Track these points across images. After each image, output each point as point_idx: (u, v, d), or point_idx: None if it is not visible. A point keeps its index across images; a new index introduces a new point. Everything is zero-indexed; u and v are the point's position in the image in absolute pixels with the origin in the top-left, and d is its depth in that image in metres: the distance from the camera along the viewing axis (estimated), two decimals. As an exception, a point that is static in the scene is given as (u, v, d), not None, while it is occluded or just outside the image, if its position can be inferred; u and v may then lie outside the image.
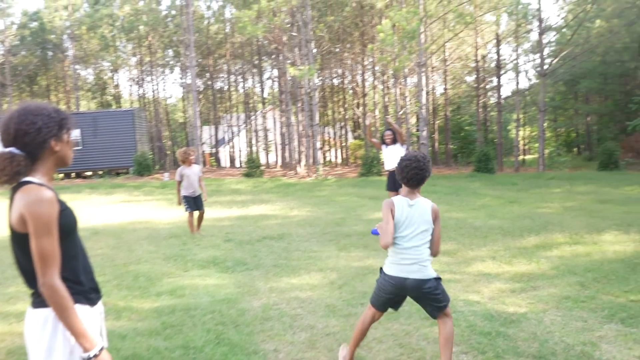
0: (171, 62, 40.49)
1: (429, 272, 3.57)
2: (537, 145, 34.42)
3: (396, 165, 3.64)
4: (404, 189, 3.63)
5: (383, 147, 9.40)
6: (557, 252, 7.53)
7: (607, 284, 5.93)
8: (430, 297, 3.59)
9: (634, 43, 28.89)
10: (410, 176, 3.53)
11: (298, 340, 4.41)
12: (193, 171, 9.11)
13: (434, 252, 3.65)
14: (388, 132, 9.36)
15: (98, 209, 13.37)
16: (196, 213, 9.30)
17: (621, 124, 33.52)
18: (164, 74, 41.52)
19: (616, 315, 4.89)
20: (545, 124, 26.31)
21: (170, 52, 39.22)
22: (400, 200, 3.59)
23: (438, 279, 3.63)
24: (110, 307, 5.20)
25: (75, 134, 26.72)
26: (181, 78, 39.52)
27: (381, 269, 3.74)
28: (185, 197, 9.10)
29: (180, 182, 9.15)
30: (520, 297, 5.50)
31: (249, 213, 12.03)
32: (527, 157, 44.85)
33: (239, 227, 10.10)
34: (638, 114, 29.30)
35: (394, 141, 9.28)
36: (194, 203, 9.16)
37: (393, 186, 9.03)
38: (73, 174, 27.56)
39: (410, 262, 3.54)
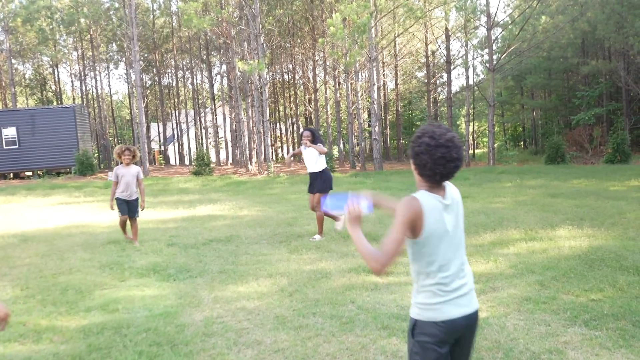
0: (115, 57, 38.97)
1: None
2: (486, 139, 34.92)
3: (417, 151, 2.27)
4: (424, 183, 2.32)
5: (302, 148, 8.70)
6: (514, 249, 7.34)
7: (567, 282, 5.73)
8: (474, 333, 2.47)
9: (577, 39, 29.64)
10: (449, 171, 2.25)
11: (243, 360, 3.96)
12: (130, 172, 8.18)
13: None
14: (307, 133, 8.65)
15: (32, 212, 12.48)
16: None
17: (565, 119, 34.48)
18: (108, 69, 39.96)
19: (579, 317, 4.66)
20: (493, 119, 26.68)
21: (114, 47, 37.73)
22: (430, 200, 2.27)
23: None
24: (30, 327, 4.60)
25: (11, 132, 25.26)
26: (126, 73, 38.07)
27: (413, 329, 2.37)
28: (118, 199, 8.13)
29: (116, 183, 8.20)
30: (481, 300, 5.21)
31: (196, 214, 11.44)
32: (477, 151, 45.63)
33: (185, 229, 9.53)
34: (581, 108, 30.15)
35: (314, 141, 8.59)
36: (127, 207, 8.16)
37: (311, 188, 8.61)
38: (11, 175, 26.06)
39: (467, 289, 2.39)
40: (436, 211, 2.26)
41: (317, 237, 8.36)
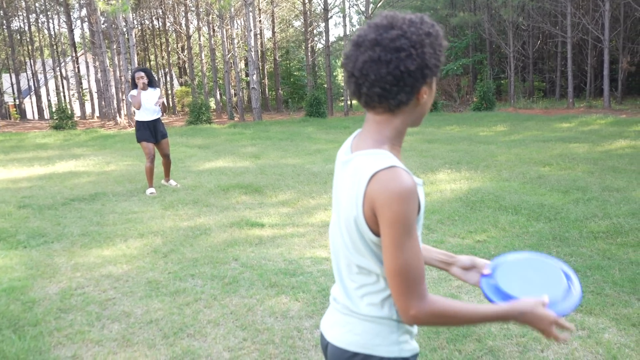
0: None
1: None
2: (362, 89, 35.22)
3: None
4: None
5: (134, 92, 7.70)
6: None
7: (452, 225, 5.71)
8: None
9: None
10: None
11: (108, 337, 3.36)
12: None
13: None
14: (140, 74, 7.71)
15: None
16: None
17: (436, 69, 35.82)
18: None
19: (467, 259, 4.58)
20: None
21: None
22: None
23: None
24: None
25: None
26: (-34, 15, 33.23)
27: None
28: None
29: None
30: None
31: (56, 171, 10.19)
32: (355, 101, 46.35)
33: (41, 188, 8.39)
34: (449, 59, 31.42)
35: (151, 84, 7.77)
36: None
37: (150, 136, 7.79)
38: None
39: None
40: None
41: (151, 190, 7.72)
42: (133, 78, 7.75)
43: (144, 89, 7.67)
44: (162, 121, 8.01)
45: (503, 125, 16.35)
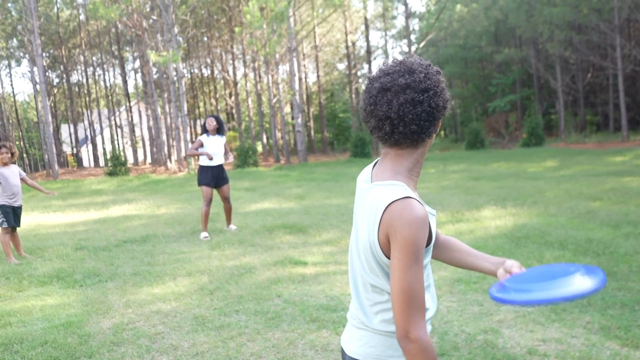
0: (16, 54, 36.29)
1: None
2: (407, 129, 35.26)
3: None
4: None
5: (204, 136, 7.89)
6: (442, 231, 7.24)
7: (496, 260, 5.64)
8: None
9: (490, 27, 30.66)
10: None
11: (156, 369, 3.50)
12: (13, 172, 6.92)
13: None
14: (211, 119, 7.96)
15: None
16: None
17: (482, 106, 35.71)
18: (9, 67, 37.18)
19: (511, 295, 4.53)
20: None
21: (15, 42, 35.10)
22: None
23: None
24: None
25: None
26: (30, 71, 35.62)
27: None
28: (2, 206, 6.77)
29: None
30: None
31: (110, 215, 10.66)
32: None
33: (96, 231, 8.79)
34: (496, 96, 31.28)
35: (219, 131, 7.95)
36: (14, 215, 6.87)
37: (211, 181, 7.87)
38: None
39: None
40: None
41: (205, 234, 7.78)
42: (204, 124, 7.99)
43: (213, 133, 7.89)
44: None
45: (553, 160, 16.06)
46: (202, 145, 7.86)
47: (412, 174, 1.50)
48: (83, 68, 37.52)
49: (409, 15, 24.52)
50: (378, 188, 1.46)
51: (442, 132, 47.17)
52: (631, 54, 23.84)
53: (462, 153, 22.91)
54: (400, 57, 1.53)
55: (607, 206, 8.20)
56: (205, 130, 7.94)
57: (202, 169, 7.94)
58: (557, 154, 17.80)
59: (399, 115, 1.41)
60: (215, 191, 8.03)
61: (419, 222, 1.35)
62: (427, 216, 1.39)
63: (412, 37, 29.02)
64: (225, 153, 8.14)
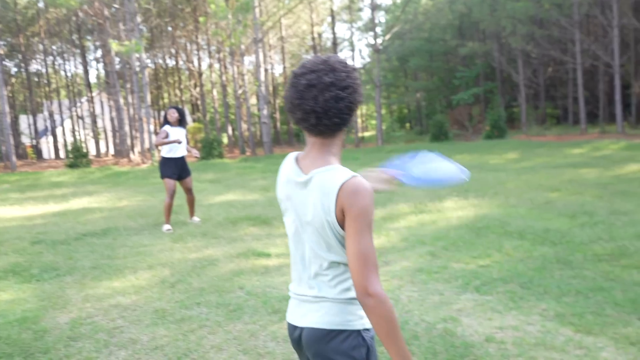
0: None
1: None
2: (374, 122, 35.66)
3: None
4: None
5: (166, 127, 7.73)
6: (405, 222, 7.32)
7: (457, 251, 5.74)
8: None
9: (455, 21, 31.00)
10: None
11: (114, 364, 3.44)
12: None
13: None
14: (172, 110, 7.82)
15: None
16: None
17: (447, 99, 36.16)
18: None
19: (470, 284, 4.63)
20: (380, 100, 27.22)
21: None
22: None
23: None
24: None
25: None
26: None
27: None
28: None
29: None
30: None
31: (70, 208, 10.41)
32: (365, 134, 46.67)
33: (55, 224, 8.57)
34: (460, 89, 31.72)
35: (180, 122, 7.82)
36: None
37: (173, 173, 7.73)
38: None
39: None
40: None
41: (167, 226, 7.68)
42: (165, 116, 7.84)
43: (176, 124, 7.73)
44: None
45: (514, 152, 16.40)
46: (167, 135, 7.72)
47: (338, 157, 1.70)
48: (42, 57, 36.42)
49: (374, 7, 24.59)
50: (322, 174, 1.62)
51: (408, 125, 47.62)
52: (590, 49, 24.48)
53: (426, 145, 23.17)
54: (323, 56, 1.69)
55: (564, 197, 8.43)
56: (166, 122, 7.81)
57: (165, 161, 7.82)
58: (519, 146, 18.18)
59: (324, 109, 1.58)
60: (178, 183, 7.92)
61: (370, 195, 1.57)
62: (372, 189, 1.60)
63: (378, 29, 29.12)
64: (187, 143, 8.01)
